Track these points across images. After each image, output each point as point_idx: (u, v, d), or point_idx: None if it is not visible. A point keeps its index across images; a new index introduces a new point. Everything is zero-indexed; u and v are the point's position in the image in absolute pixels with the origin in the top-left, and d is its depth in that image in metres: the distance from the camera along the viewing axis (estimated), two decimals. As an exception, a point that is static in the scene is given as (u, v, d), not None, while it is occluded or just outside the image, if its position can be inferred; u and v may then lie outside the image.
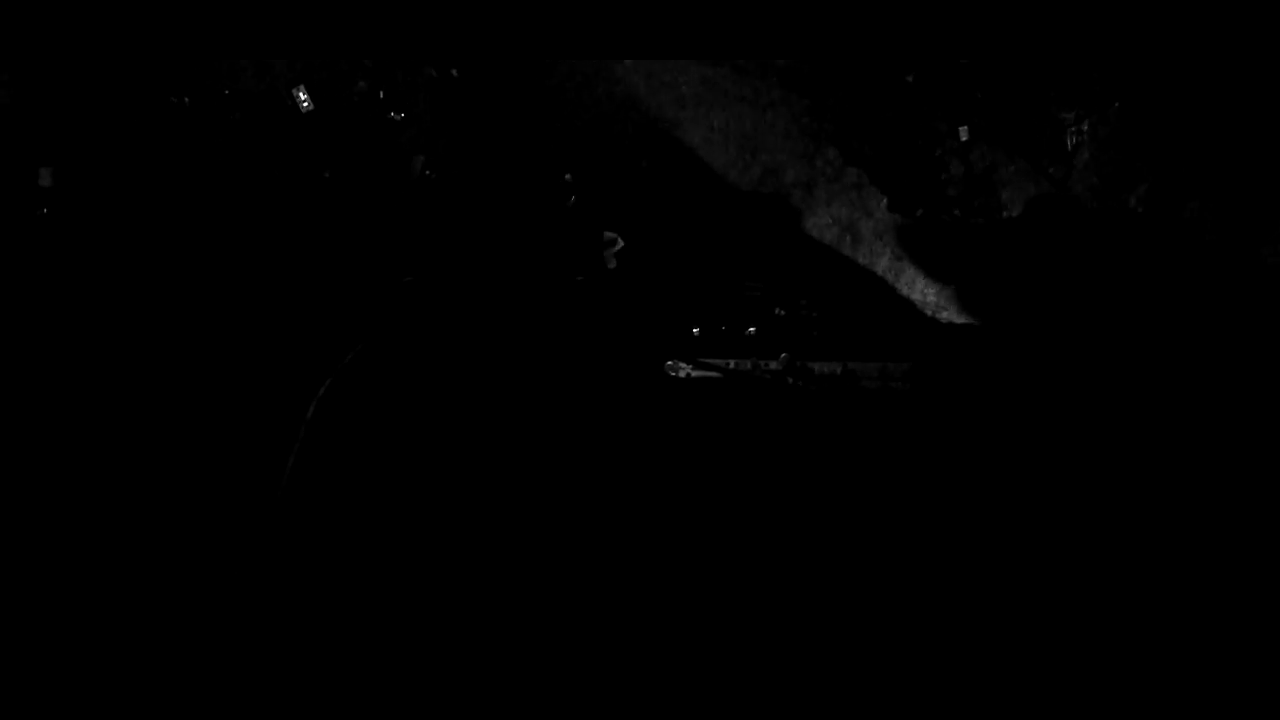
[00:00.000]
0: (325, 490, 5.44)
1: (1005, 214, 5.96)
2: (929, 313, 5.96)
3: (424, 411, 5.62)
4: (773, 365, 5.89)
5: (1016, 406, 5.81)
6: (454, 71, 6.22)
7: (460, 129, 6.21)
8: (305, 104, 6.14)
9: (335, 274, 5.96)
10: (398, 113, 6.19)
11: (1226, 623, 5.29)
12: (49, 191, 6.25)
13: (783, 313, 5.94)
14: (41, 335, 5.98)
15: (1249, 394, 5.74)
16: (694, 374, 5.81)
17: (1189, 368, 5.94)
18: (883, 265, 5.97)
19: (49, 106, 6.41)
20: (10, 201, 6.23)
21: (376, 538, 5.45)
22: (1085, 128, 5.88)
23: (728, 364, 5.92)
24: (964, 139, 5.93)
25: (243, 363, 5.70)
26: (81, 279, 6.09)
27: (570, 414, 5.72)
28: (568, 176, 5.97)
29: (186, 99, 6.25)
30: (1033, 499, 5.61)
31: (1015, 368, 5.94)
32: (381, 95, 6.18)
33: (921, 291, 5.95)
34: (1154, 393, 5.97)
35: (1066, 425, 5.74)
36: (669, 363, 5.87)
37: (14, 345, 5.95)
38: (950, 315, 5.94)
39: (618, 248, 5.95)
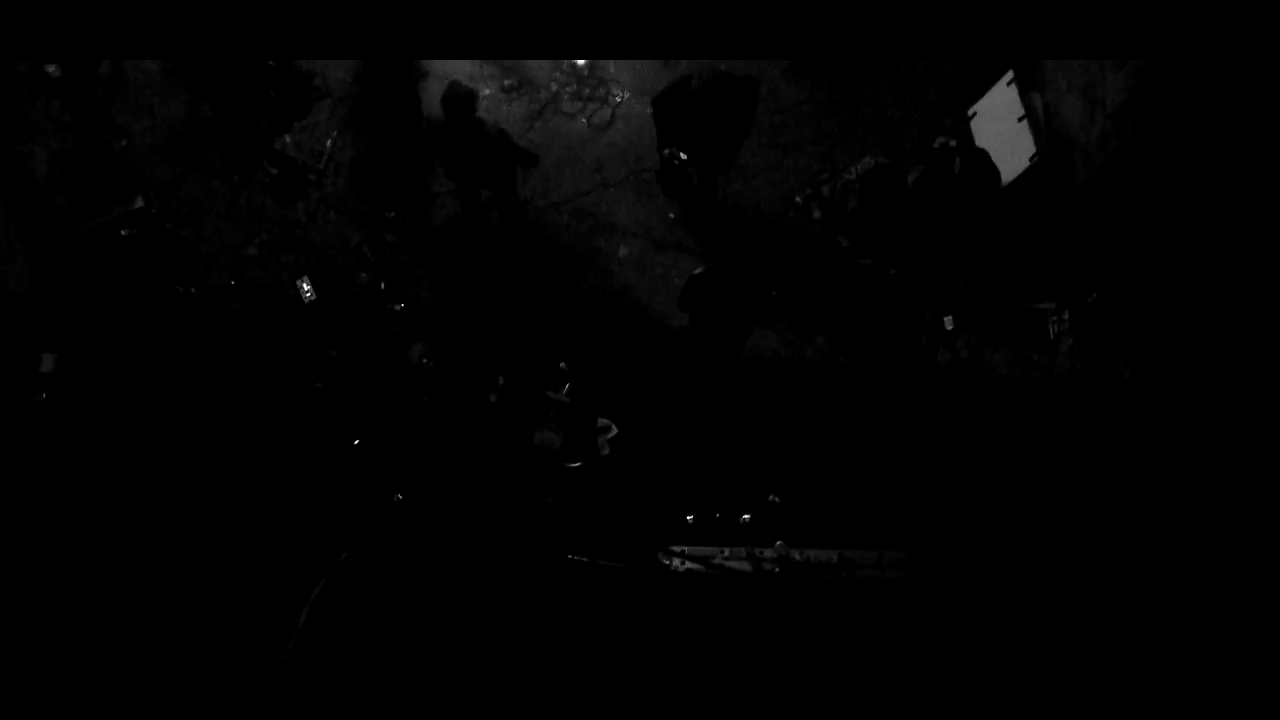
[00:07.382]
0: (319, 698, 5.31)
1: (992, 401, 6.08)
2: (924, 499, 5.98)
3: (420, 611, 5.55)
4: (768, 553, 5.86)
5: (1013, 594, 5.77)
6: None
7: (459, 318, 6.37)
8: (308, 294, 6.31)
9: (330, 466, 5.98)
10: (397, 303, 6.35)
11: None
12: (50, 377, 6.32)
13: (777, 500, 5.96)
14: (36, 521, 5.94)
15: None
16: (688, 566, 5.77)
17: (1187, 545, 5.93)
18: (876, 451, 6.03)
19: (56, 292, 6.56)
20: (10, 386, 6.29)
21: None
22: (1066, 317, 6.07)
23: (722, 552, 5.89)
24: (949, 328, 6.10)
25: (235, 564, 5.65)
26: (78, 466, 6.10)
27: (564, 609, 5.65)
28: (563, 365, 6.08)
29: (192, 289, 6.42)
30: (1034, 688, 5.51)
31: (1012, 554, 5.93)
32: (383, 286, 6.36)
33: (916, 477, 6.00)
34: (1150, 569, 5.94)
35: (1064, 614, 5.68)
36: (662, 553, 5.84)
37: (9, 531, 5.91)
38: (946, 502, 5.97)
39: (612, 435, 6.00)
